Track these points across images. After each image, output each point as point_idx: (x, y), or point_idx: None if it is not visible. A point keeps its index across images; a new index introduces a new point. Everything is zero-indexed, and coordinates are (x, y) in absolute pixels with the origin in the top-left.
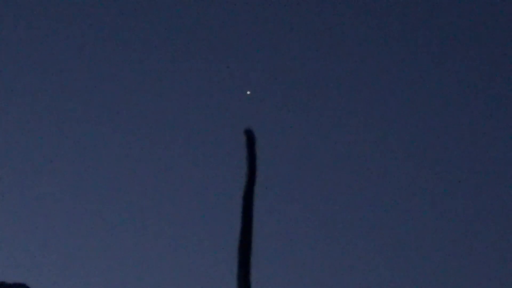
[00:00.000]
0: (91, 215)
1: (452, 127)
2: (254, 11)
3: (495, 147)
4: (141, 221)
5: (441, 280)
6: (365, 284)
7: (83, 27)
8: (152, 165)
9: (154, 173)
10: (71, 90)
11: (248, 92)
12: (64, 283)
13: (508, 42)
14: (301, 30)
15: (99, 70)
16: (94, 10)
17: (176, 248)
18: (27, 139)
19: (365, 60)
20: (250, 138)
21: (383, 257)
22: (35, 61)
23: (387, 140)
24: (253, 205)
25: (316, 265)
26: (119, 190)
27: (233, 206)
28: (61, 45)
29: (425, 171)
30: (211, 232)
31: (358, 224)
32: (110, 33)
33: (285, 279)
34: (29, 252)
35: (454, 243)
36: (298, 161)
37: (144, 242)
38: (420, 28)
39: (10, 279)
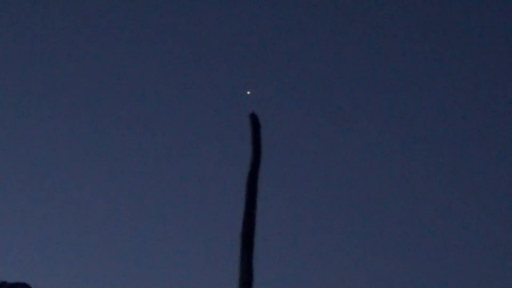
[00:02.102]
0: (92, 215)
1: (453, 128)
2: (260, 10)
3: (495, 147)
4: (141, 218)
5: (441, 280)
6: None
7: (83, 27)
8: (155, 154)
9: (157, 163)
10: (72, 90)
11: (248, 92)
12: (64, 283)
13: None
14: (302, 29)
15: (104, 68)
16: (95, 10)
17: (180, 236)
18: (27, 140)
19: (368, 58)
20: (255, 122)
21: (387, 250)
22: (35, 62)
23: (389, 140)
24: (257, 189)
25: (318, 254)
26: (120, 189)
27: (237, 194)
28: (61, 46)
29: (429, 169)
30: (215, 219)
31: (358, 210)
32: (114, 33)
33: (287, 266)
34: (31, 252)
35: (453, 243)
36: (302, 156)
37: (144, 239)
38: (423, 29)
39: (12, 279)
